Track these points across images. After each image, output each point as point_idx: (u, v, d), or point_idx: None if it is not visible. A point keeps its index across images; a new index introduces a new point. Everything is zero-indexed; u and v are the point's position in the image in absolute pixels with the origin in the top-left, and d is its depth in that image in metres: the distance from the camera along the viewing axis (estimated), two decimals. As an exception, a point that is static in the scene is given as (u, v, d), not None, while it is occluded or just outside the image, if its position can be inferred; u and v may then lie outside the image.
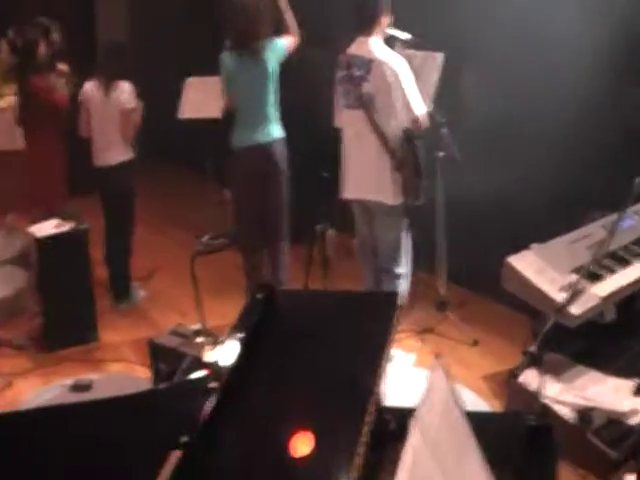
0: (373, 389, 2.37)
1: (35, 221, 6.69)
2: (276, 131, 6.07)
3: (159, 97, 8.69)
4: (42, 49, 6.82)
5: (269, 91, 5.99)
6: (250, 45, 5.87)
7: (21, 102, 7.08)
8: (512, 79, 5.90)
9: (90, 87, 6.83)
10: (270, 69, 5.92)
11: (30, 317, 6.84)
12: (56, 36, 7.14)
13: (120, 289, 7.09)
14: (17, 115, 7.17)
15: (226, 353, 2.63)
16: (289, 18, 6.06)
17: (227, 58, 6.03)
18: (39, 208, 7.01)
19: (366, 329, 2.75)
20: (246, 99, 6.07)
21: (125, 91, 6.69)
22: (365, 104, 5.37)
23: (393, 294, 3.22)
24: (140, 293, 7.21)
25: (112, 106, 6.71)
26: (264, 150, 6.04)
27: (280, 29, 6.05)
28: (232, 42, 5.97)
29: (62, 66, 7.04)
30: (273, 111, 6.06)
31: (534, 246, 5.07)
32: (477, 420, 2.36)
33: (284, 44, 5.97)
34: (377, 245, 5.66)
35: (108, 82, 6.71)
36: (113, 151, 6.82)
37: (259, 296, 2.93)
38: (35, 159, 7.03)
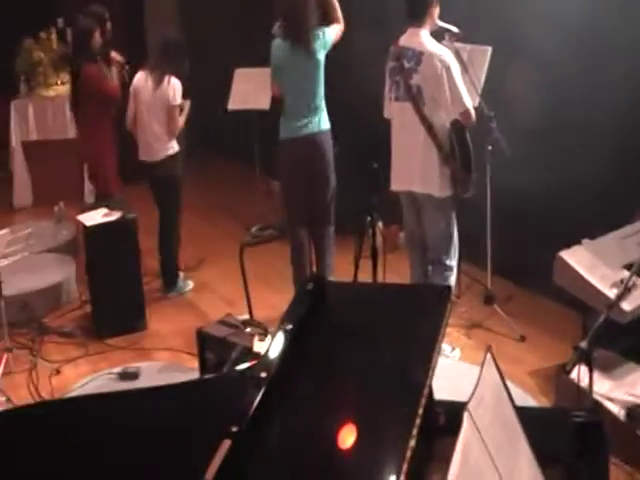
0: (425, 383, 2.36)
1: (84, 210, 6.74)
2: (323, 122, 6.08)
3: (209, 88, 8.74)
4: (97, 38, 6.87)
5: (317, 82, 6.01)
6: (301, 36, 5.89)
7: (73, 90, 7.14)
8: (561, 73, 5.86)
9: (140, 79, 6.86)
10: (318, 60, 5.94)
11: (79, 305, 6.92)
12: (109, 25, 7.21)
13: (168, 278, 7.13)
14: (70, 103, 7.23)
15: (275, 344, 2.63)
16: (335, 8, 6.07)
17: (277, 47, 6.04)
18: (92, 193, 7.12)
19: (418, 322, 2.74)
20: (294, 90, 6.08)
21: (173, 87, 6.70)
22: (414, 96, 5.36)
23: (446, 287, 3.21)
24: (188, 283, 7.24)
25: (159, 101, 6.74)
26: (311, 141, 6.06)
27: (327, 19, 6.05)
28: (283, 32, 5.98)
29: (116, 55, 7.10)
30: (320, 102, 6.07)
31: (585, 241, 5.02)
32: (525, 415, 2.35)
33: (331, 34, 5.98)
34: (425, 237, 5.64)
35: (158, 76, 6.73)
36: (158, 146, 6.85)
37: (309, 287, 2.93)
38: (87, 147, 7.11)
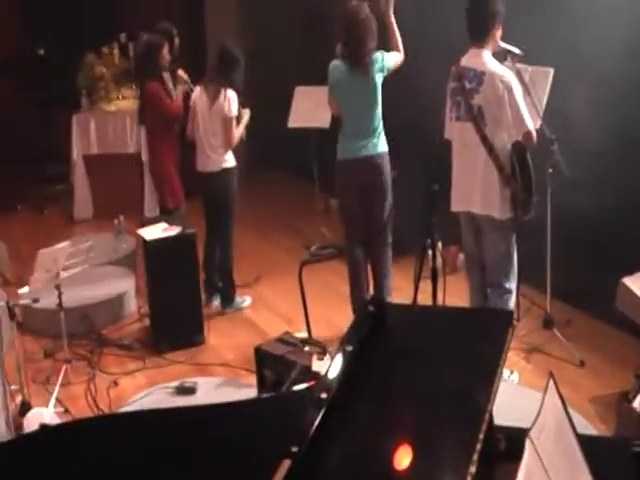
0: (486, 408, 2.35)
1: (144, 224, 6.81)
2: (380, 145, 6.12)
3: (270, 105, 8.78)
4: (164, 54, 6.96)
5: (374, 105, 6.05)
6: (359, 59, 5.95)
7: (141, 105, 7.25)
8: (623, 94, 5.80)
9: (198, 92, 6.93)
10: (376, 84, 5.99)
11: (137, 318, 6.99)
12: (177, 42, 7.32)
13: (225, 294, 7.17)
14: (138, 117, 7.37)
15: (335, 365, 2.63)
16: (395, 36, 6.12)
17: (336, 68, 6.09)
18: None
19: (479, 346, 2.72)
20: (351, 111, 6.13)
21: (228, 100, 6.74)
22: (475, 116, 5.33)
23: (508, 312, 3.19)
24: (246, 299, 7.27)
25: (216, 113, 6.79)
26: (368, 163, 6.10)
27: (386, 46, 6.09)
28: (343, 54, 6.03)
29: (182, 74, 7.18)
30: (377, 125, 6.10)
31: (649, 267, 4.97)
32: (585, 443, 2.31)
33: (391, 60, 6.04)
34: (485, 259, 5.60)
35: (214, 89, 6.78)
36: (215, 158, 6.89)
37: (370, 309, 2.93)
38: (152, 161, 7.21)
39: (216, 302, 7.17)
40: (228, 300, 7.16)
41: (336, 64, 6.09)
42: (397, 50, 6.14)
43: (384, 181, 6.14)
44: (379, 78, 5.98)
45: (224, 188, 6.94)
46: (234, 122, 6.82)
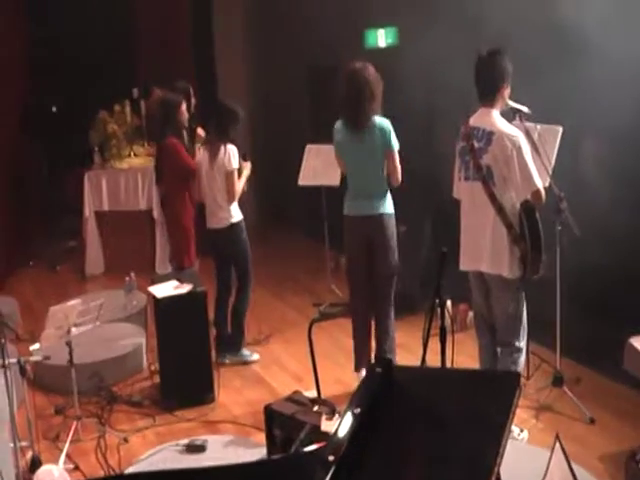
0: (493, 469, 2.36)
1: (155, 281, 6.85)
2: (382, 206, 6.15)
3: (280, 163, 8.87)
4: (183, 111, 7.07)
5: (376, 167, 6.10)
6: (358, 122, 6.00)
7: (157, 164, 7.34)
8: (632, 154, 5.85)
9: (201, 153, 7.04)
10: (378, 146, 6.03)
11: (148, 375, 6.99)
12: (194, 100, 7.44)
13: (234, 341, 7.21)
14: (156, 176, 7.47)
15: (343, 427, 2.64)
16: (396, 168, 6.13)
17: (339, 129, 6.15)
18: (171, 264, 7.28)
19: (486, 408, 2.74)
20: (355, 171, 6.21)
21: (229, 154, 6.84)
22: (484, 176, 5.35)
23: (515, 374, 3.20)
24: (254, 354, 7.28)
25: (217, 170, 6.89)
26: (371, 221, 6.14)
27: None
28: (345, 116, 6.10)
29: (201, 131, 7.28)
30: (381, 185, 6.15)
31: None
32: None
33: (395, 146, 6.05)
34: (494, 318, 5.60)
35: (214, 146, 6.90)
36: (222, 215, 6.98)
37: (378, 370, 2.95)
38: (168, 219, 7.28)
39: (227, 360, 7.18)
40: (235, 349, 7.19)
41: (339, 125, 6.17)
42: (395, 182, 6.16)
43: (388, 239, 6.17)
44: (380, 142, 6.02)
45: (233, 243, 7.04)
46: (236, 175, 6.90)
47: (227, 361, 7.15)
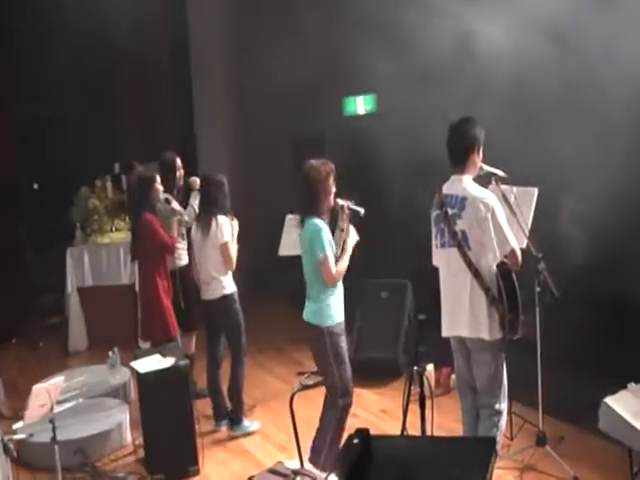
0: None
1: (138, 355, 6.84)
2: (322, 316, 5.93)
3: (260, 233, 8.91)
4: (157, 188, 7.12)
5: (314, 272, 5.88)
6: (301, 220, 5.89)
7: (133, 239, 7.36)
8: (609, 212, 5.90)
9: (194, 229, 7.09)
10: (313, 251, 5.78)
11: (132, 450, 6.95)
12: (181, 173, 7.50)
13: (234, 416, 7.20)
14: (131, 252, 7.48)
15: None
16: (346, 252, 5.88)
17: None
18: (147, 341, 7.25)
19: (464, 475, 2.75)
20: (305, 264, 6.02)
21: (221, 226, 6.89)
22: (459, 242, 5.39)
23: (491, 440, 3.22)
24: (254, 424, 7.27)
25: (210, 243, 6.94)
26: (308, 329, 6.00)
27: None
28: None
29: (194, 179, 7.35)
30: (318, 293, 5.92)
31: (631, 386, 4.97)
32: None
33: (325, 243, 5.72)
34: (475, 381, 5.61)
35: (205, 220, 6.96)
36: (214, 286, 7.02)
37: (355, 441, 2.96)
38: (143, 294, 7.27)
39: (224, 427, 7.20)
40: (236, 422, 7.18)
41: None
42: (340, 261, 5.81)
43: (319, 352, 5.96)
44: (320, 254, 5.71)
45: (224, 314, 7.07)
46: (229, 246, 6.94)
47: (223, 429, 7.19)
